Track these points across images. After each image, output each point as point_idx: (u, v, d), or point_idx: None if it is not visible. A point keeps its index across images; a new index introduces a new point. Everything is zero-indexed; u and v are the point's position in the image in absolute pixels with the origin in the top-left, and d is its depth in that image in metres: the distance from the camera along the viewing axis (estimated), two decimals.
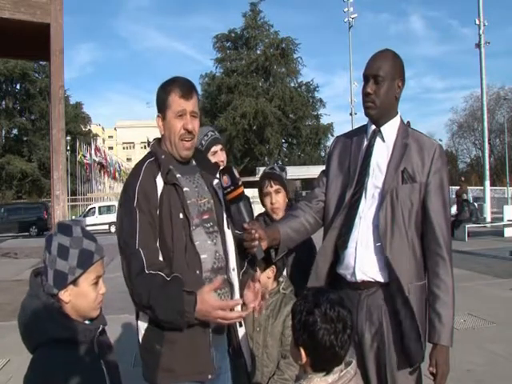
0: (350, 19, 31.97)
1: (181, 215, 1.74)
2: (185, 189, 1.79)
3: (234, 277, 1.84)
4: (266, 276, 2.24)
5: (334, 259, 1.99)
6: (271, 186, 2.53)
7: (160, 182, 1.75)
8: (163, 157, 1.80)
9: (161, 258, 1.70)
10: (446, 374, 1.83)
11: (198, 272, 1.73)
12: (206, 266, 1.76)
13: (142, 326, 1.76)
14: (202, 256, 1.76)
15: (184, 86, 1.79)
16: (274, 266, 2.25)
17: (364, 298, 1.90)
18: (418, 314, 1.88)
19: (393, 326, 1.86)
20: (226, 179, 1.83)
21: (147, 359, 1.75)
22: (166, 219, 1.72)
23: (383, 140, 1.97)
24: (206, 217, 1.82)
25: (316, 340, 1.37)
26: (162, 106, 1.81)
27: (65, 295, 1.44)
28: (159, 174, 1.76)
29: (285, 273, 2.49)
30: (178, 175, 1.80)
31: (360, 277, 1.90)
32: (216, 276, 1.78)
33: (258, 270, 1.99)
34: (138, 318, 1.78)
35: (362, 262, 1.89)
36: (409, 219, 1.89)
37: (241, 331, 1.90)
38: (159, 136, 1.90)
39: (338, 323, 1.38)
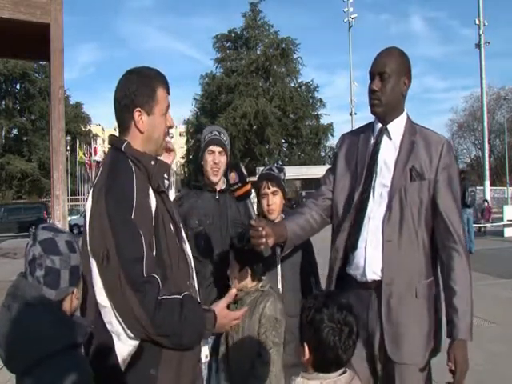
0: (350, 19, 32.10)
1: (171, 225, 1.60)
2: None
3: (195, 280, 1.75)
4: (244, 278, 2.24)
5: (345, 260, 1.98)
6: (268, 188, 2.51)
7: (151, 192, 1.54)
8: (153, 163, 1.57)
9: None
10: (465, 371, 1.77)
11: (188, 283, 1.65)
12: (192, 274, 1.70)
13: (124, 349, 1.47)
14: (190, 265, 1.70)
15: (167, 81, 1.66)
16: (248, 268, 2.22)
17: (375, 297, 1.90)
18: (426, 311, 1.87)
19: (402, 324, 1.85)
20: (233, 176, 1.79)
21: None
22: (161, 233, 1.52)
23: (390, 138, 1.96)
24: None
25: (321, 337, 1.39)
26: (149, 101, 1.58)
27: (76, 292, 1.46)
28: (149, 182, 1.55)
29: (280, 272, 2.49)
30: None
31: (370, 276, 1.89)
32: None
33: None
34: (112, 341, 1.48)
35: (372, 261, 1.88)
36: (418, 217, 1.87)
37: None
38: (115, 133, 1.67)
39: (344, 326, 1.39)
